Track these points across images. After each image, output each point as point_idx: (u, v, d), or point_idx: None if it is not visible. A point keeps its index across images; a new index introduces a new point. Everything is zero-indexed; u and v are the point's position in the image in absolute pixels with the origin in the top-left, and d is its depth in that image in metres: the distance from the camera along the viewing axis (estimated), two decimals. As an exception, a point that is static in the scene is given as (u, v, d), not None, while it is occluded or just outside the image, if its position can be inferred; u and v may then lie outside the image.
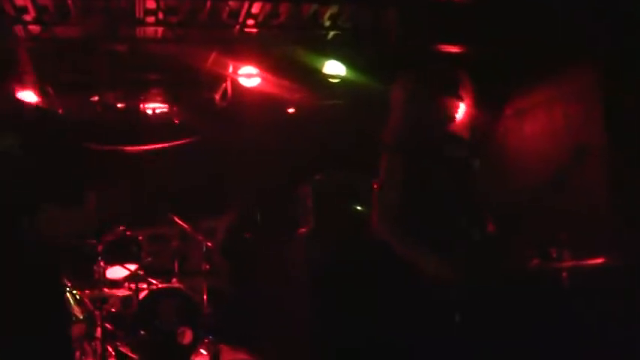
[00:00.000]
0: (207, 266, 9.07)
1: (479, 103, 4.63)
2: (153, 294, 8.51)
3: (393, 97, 4.57)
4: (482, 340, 4.16)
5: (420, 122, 4.44)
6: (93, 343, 8.03)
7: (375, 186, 4.52)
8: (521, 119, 8.46)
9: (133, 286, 8.60)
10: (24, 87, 8.30)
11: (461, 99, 4.41)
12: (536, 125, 8.19)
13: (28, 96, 8.54)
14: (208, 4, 8.20)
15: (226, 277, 10.35)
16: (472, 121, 4.54)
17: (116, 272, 8.56)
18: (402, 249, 4.19)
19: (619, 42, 6.54)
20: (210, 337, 8.72)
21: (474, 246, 4.25)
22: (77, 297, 7.92)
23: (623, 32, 6.43)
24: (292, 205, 8.12)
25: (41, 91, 8.87)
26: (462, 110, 4.44)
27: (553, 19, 7.02)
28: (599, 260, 5.27)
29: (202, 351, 8.72)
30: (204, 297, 8.86)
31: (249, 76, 8.97)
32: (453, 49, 8.13)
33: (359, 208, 7.24)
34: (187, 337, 8.42)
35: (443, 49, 8.13)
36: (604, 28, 6.63)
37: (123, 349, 8.21)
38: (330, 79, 8.96)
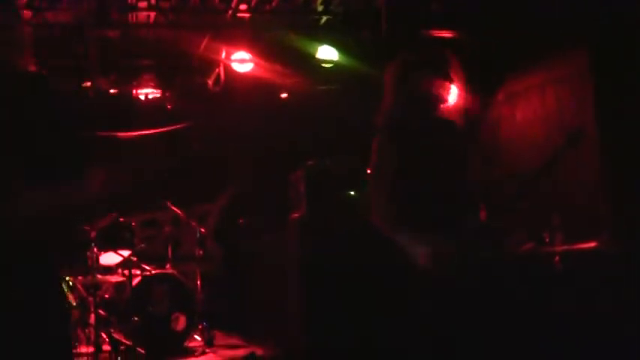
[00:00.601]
0: (201, 252, 9.07)
1: (471, 87, 4.63)
2: (146, 280, 8.48)
3: (385, 80, 4.56)
4: (476, 327, 4.16)
5: (411, 104, 4.43)
6: (86, 330, 8.01)
7: (369, 170, 4.52)
8: (513, 103, 8.46)
9: (126, 272, 8.57)
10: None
11: (451, 80, 4.39)
12: (529, 109, 8.20)
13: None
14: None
15: (219, 262, 10.36)
16: (464, 104, 4.53)
17: (109, 258, 8.53)
18: (393, 234, 4.19)
19: (609, 25, 6.53)
20: (204, 322, 8.72)
21: (467, 230, 4.24)
22: (70, 284, 7.90)
23: (613, 15, 6.42)
24: (285, 190, 8.11)
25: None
26: (453, 93, 4.43)
27: (544, 2, 7.02)
28: (592, 244, 5.28)
29: (196, 337, 8.71)
30: (198, 283, 8.86)
31: (242, 62, 8.97)
32: (444, 33, 8.13)
33: (352, 193, 7.23)
34: (181, 322, 8.39)
35: (434, 34, 8.13)
36: (595, 12, 6.62)
37: (116, 336, 8.19)
38: (323, 64, 8.95)
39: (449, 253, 4.08)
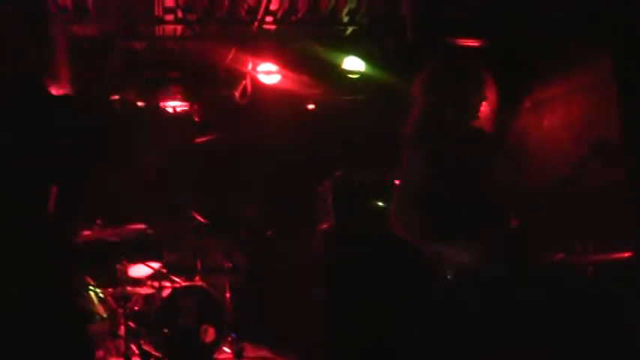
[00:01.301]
0: (229, 264, 9.08)
1: (498, 96, 4.60)
2: (175, 292, 8.51)
3: (413, 89, 4.55)
4: (507, 335, 4.14)
5: (439, 113, 4.41)
6: (116, 342, 8.06)
7: (397, 182, 4.51)
8: (539, 112, 8.41)
9: (155, 284, 8.61)
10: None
11: (479, 90, 4.38)
12: (554, 117, 8.15)
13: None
14: (226, 1, 8.20)
15: (248, 274, 10.37)
16: (492, 113, 4.51)
17: (139, 270, 8.58)
18: (417, 244, 4.18)
19: (633, 31, 6.49)
20: (233, 334, 8.73)
21: (496, 240, 4.22)
22: (100, 295, 7.94)
23: (636, 21, 6.38)
24: (313, 202, 8.11)
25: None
26: (481, 102, 4.41)
27: (568, 9, 6.99)
28: (625, 254, 5.23)
29: (225, 349, 8.72)
30: (227, 294, 8.87)
31: (268, 73, 8.97)
32: (470, 42, 8.10)
33: (380, 204, 7.22)
34: (210, 334, 8.41)
35: (459, 43, 8.10)
36: (618, 19, 6.59)
37: (146, 347, 8.21)
38: (350, 75, 8.95)
39: (477, 262, 4.06)
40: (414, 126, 4.48)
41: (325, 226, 7.59)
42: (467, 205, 4.18)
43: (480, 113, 4.40)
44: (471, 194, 4.20)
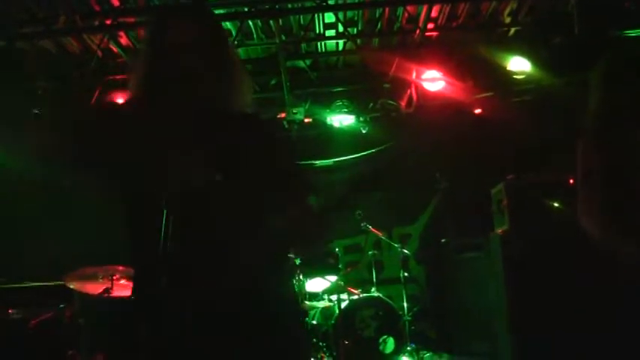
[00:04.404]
0: (405, 273, 9.06)
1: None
2: (353, 304, 8.57)
3: (592, 79, 4.42)
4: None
5: (616, 108, 4.25)
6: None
7: (572, 181, 4.39)
8: None
9: (332, 297, 8.69)
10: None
11: None
12: None
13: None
14: (386, 11, 8.23)
15: (424, 283, 10.34)
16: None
17: (316, 284, 8.67)
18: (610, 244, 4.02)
19: None
20: (413, 344, 8.69)
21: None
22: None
23: None
24: (486, 207, 8.02)
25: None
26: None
27: None
28: None
29: (405, 358, 8.69)
30: (404, 304, 8.84)
31: (432, 80, 8.92)
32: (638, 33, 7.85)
33: (556, 205, 7.06)
34: (389, 345, 8.42)
35: (630, 35, 7.85)
36: None
37: (327, 360, 8.30)
38: (515, 76, 8.80)
39: None
40: (593, 115, 4.34)
41: (501, 230, 7.49)
42: None
43: None
44: None
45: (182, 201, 2.50)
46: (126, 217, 2.79)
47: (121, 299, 6.64)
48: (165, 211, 2.47)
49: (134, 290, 2.78)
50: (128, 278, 6.60)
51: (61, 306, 6.93)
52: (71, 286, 6.77)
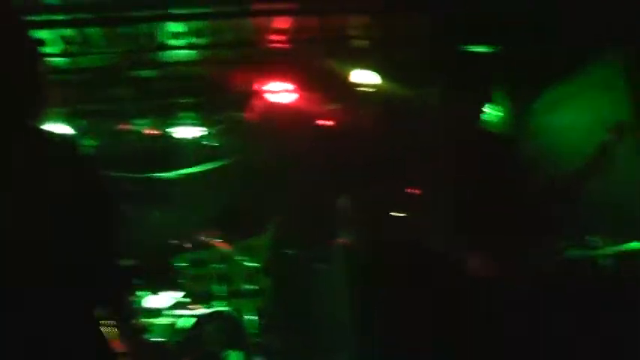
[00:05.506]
0: (252, 286, 9.04)
1: (512, 99, 4.60)
2: (198, 320, 8.44)
3: (429, 101, 4.57)
4: (526, 332, 4.15)
5: (457, 123, 4.41)
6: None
7: (415, 192, 4.51)
8: (553, 110, 8.45)
9: (177, 312, 8.54)
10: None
11: (492, 95, 4.38)
12: (568, 115, 8.18)
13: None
14: (233, 22, 8.15)
15: (272, 295, 10.32)
16: (505, 117, 4.52)
17: (159, 300, 8.51)
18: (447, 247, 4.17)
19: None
20: (260, 358, 8.65)
21: (521, 237, 4.22)
22: (115, 328, 7.84)
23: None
24: (332, 218, 8.07)
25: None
26: (495, 108, 4.41)
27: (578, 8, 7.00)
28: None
29: (252, 373, 8.65)
30: (251, 318, 8.79)
31: (280, 92, 8.93)
32: (485, 50, 8.06)
33: (399, 214, 7.16)
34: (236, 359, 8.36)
35: (474, 51, 8.06)
36: (630, 12, 6.59)
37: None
38: (364, 89, 8.91)
39: (503, 260, 4.05)
40: (430, 137, 4.47)
41: (344, 240, 7.56)
42: (496, 206, 4.15)
43: (489, 117, 4.40)
44: (494, 192, 4.19)
45: None
46: None
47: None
48: None
49: None
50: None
51: None
52: None
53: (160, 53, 8.83)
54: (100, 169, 2.72)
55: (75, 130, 9.27)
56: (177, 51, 8.71)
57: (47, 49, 7.81)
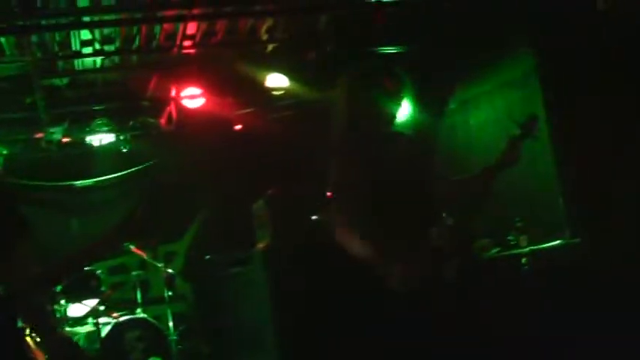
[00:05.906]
0: (170, 292, 8.99)
1: (423, 98, 4.62)
2: (117, 327, 8.39)
3: (335, 101, 4.54)
4: (450, 334, 4.13)
5: (361, 122, 4.39)
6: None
7: (329, 194, 4.48)
8: (465, 110, 8.54)
9: (97, 321, 8.47)
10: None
11: (399, 95, 4.37)
12: (480, 115, 8.28)
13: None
14: (143, 29, 8.12)
15: (192, 300, 10.28)
16: (415, 116, 4.53)
17: (78, 309, 8.43)
18: (361, 253, 4.14)
19: (553, 25, 6.60)
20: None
21: (434, 240, 4.21)
22: (38, 340, 7.76)
23: (555, 15, 6.49)
24: (250, 222, 8.07)
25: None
26: (403, 107, 4.41)
27: (487, 8, 7.10)
28: (556, 241, 5.32)
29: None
30: (170, 324, 8.76)
31: (192, 97, 8.92)
32: (390, 49, 8.18)
33: (315, 218, 7.21)
34: (158, 367, 8.34)
35: (380, 51, 8.17)
36: (538, 14, 6.70)
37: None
38: (274, 92, 8.96)
39: (419, 267, 4.04)
40: (338, 136, 4.46)
41: (263, 244, 7.56)
42: (404, 208, 4.16)
43: (398, 115, 4.40)
44: (406, 196, 4.19)
45: None
46: None
47: None
48: None
49: None
50: None
51: None
52: None
53: (72, 61, 8.77)
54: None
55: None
56: (88, 58, 8.66)
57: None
